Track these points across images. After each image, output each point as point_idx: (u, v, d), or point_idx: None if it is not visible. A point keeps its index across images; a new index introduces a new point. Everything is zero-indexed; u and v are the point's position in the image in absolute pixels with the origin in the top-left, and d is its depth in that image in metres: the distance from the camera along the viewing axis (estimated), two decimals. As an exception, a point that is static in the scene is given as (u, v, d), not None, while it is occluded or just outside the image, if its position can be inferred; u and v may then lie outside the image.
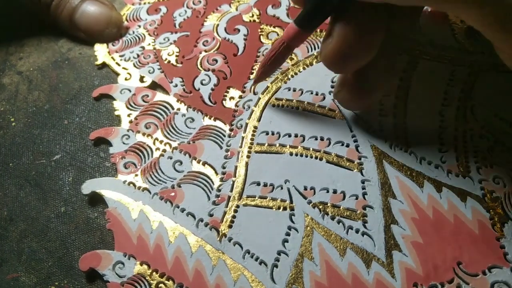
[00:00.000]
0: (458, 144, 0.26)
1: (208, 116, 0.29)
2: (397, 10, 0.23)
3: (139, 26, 0.36)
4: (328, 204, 0.25)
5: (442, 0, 0.18)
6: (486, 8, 0.18)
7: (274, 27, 0.34)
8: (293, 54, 0.31)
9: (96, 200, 0.27)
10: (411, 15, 0.25)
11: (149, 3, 0.37)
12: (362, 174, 0.25)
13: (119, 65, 0.33)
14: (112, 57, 0.34)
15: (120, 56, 0.34)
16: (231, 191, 0.26)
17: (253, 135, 0.28)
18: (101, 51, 0.34)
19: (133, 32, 0.35)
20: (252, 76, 0.31)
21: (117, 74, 0.33)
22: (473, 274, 0.22)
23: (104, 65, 0.33)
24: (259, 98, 0.29)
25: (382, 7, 0.22)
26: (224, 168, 0.27)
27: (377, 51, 0.23)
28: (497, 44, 0.20)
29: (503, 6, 0.17)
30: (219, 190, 0.26)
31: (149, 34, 0.35)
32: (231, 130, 0.28)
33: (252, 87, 0.30)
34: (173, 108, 0.30)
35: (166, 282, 0.23)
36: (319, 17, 0.24)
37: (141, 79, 0.32)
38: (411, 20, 0.26)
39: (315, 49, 0.31)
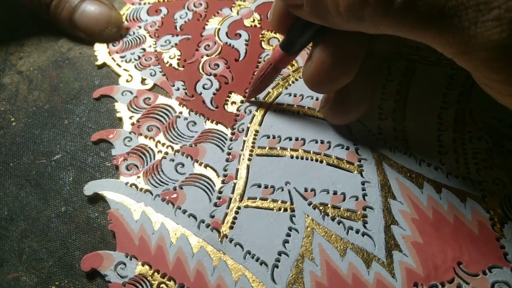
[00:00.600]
0: (457, 146, 0.26)
1: (210, 120, 0.29)
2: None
3: (140, 27, 0.36)
4: (329, 205, 0.25)
5: (409, 33, 0.19)
6: (443, 38, 0.18)
7: (275, 33, 0.34)
8: (294, 61, 0.32)
9: (97, 199, 0.27)
10: (395, 36, 0.26)
11: (149, 3, 0.37)
12: (362, 176, 0.26)
13: (119, 66, 0.33)
14: (113, 58, 0.34)
15: (121, 57, 0.34)
16: (233, 193, 0.26)
17: (254, 138, 0.28)
18: (101, 51, 0.34)
19: (134, 33, 0.35)
20: None
21: (118, 75, 0.33)
22: (473, 274, 0.22)
23: (104, 65, 0.33)
24: (261, 103, 0.30)
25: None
26: (225, 170, 0.27)
27: (355, 73, 0.23)
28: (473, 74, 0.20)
29: (458, 36, 0.17)
30: (220, 192, 0.26)
31: (150, 36, 0.35)
32: (232, 133, 0.29)
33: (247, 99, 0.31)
34: (175, 112, 0.30)
35: (168, 282, 0.23)
36: (301, 43, 0.25)
37: (143, 81, 0.32)
38: (395, 40, 0.26)
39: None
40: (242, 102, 0.30)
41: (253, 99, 0.30)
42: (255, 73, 0.30)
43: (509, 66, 0.17)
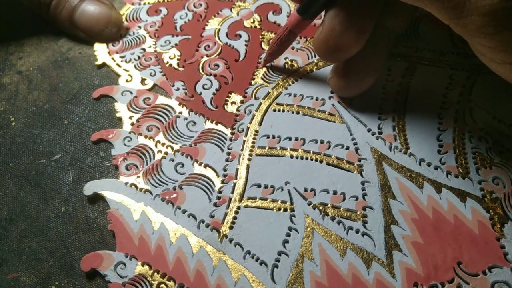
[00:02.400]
0: (457, 146, 0.26)
1: (210, 120, 0.29)
2: (391, 8, 0.24)
3: (140, 27, 0.36)
4: (328, 205, 0.25)
5: None
6: (439, 3, 0.19)
7: (275, 33, 0.34)
8: (293, 61, 0.32)
9: (96, 199, 0.27)
10: (405, 13, 0.26)
11: (149, 3, 0.37)
12: (362, 176, 0.26)
13: (119, 66, 0.33)
14: (113, 58, 0.34)
15: (121, 57, 0.34)
16: (232, 192, 0.26)
17: (254, 138, 0.28)
18: (101, 51, 0.34)
19: (134, 33, 0.35)
20: (253, 82, 0.31)
21: (118, 75, 0.33)
22: (473, 274, 0.22)
23: (104, 65, 0.33)
24: (261, 103, 0.30)
25: (374, 2, 0.23)
26: (225, 170, 0.27)
27: (363, 44, 0.24)
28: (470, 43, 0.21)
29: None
30: (220, 192, 0.26)
31: (149, 36, 0.35)
32: (232, 133, 0.29)
33: (264, 64, 0.32)
34: (175, 112, 0.30)
35: (167, 282, 0.23)
36: (316, 8, 0.26)
37: (142, 82, 0.32)
38: (406, 18, 0.27)
39: (315, 56, 0.32)
40: (242, 102, 0.30)
41: (254, 101, 0.30)
42: (271, 41, 0.31)
43: (500, 32, 0.18)
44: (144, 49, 0.34)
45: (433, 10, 0.20)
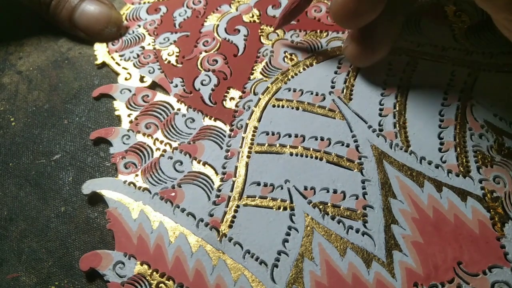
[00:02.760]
0: (458, 144, 0.26)
1: (209, 116, 0.29)
2: None
3: (139, 26, 0.36)
4: (328, 204, 0.25)
5: None
6: None
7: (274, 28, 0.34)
8: (293, 55, 0.31)
9: (96, 199, 0.27)
10: None
11: (148, 2, 0.37)
12: (362, 174, 0.25)
13: (119, 64, 0.33)
14: (112, 57, 0.33)
15: (120, 56, 0.33)
16: (232, 191, 0.26)
17: (253, 135, 0.28)
18: (101, 51, 0.34)
19: (133, 32, 0.35)
20: (252, 77, 0.31)
21: (117, 74, 0.32)
22: (473, 274, 0.22)
23: (103, 64, 0.33)
24: (259, 99, 0.29)
25: None
26: (224, 168, 0.27)
27: (382, 9, 0.24)
28: (493, 16, 0.21)
29: None
30: (219, 190, 0.26)
31: (149, 34, 0.35)
32: (231, 130, 0.28)
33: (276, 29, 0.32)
34: (173, 109, 0.30)
35: (167, 282, 0.23)
36: None
37: (141, 79, 0.32)
38: None
39: (315, 50, 0.32)
40: (240, 97, 0.30)
41: (253, 97, 0.30)
42: (285, 6, 0.31)
43: None
44: (143, 47, 0.34)
45: None
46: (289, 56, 0.31)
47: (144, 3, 0.37)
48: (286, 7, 0.29)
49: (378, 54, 0.27)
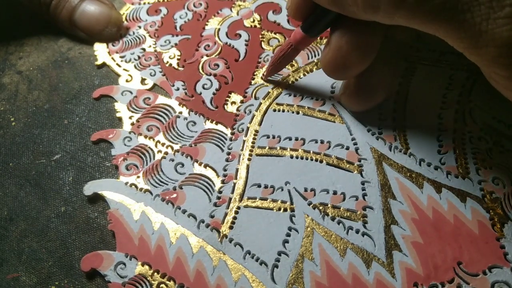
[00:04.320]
0: (457, 146, 0.26)
1: (210, 120, 0.29)
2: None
3: (140, 27, 0.36)
4: (328, 205, 0.25)
5: (422, 25, 0.20)
6: (455, 32, 0.19)
7: (275, 33, 0.34)
8: (294, 61, 0.32)
9: (96, 199, 0.27)
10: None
11: (149, 3, 0.37)
12: (362, 176, 0.26)
13: (119, 66, 0.33)
14: (112, 58, 0.34)
15: (121, 57, 0.34)
16: (232, 192, 0.26)
17: (254, 138, 0.28)
18: (101, 51, 0.34)
19: (134, 33, 0.35)
20: (253, 82, 0.31)
21: (118, 75, 0.33)
22: (473, 274, 0.22)
23: (104, 64, 0.33)
24: (260, 103, 0.30)
25: None
26: (225, 170, 0.27)
27: (373, 59, 0.24)
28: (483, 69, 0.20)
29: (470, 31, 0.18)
30: (220, 192, 0.26)
31: (149, 36, 0.35)
32: (232, 133, 0.29)
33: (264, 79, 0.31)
34: (175, 111, 0.30)
35: (167, 282, 0.23)
36: (322, 25, 0.25)
37: (142, 81, 0.32)
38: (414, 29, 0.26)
39: (315, 56, 0.32)
40: (242, 102, 0.30)
41: (254, 101, 0.30)
42: (274, 52, 0.31)
43: None
44: (144, 49, 0.34)
45: (448, 38, 0.19)
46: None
47: (144, 3, 0.37)
48: (274, 57, 0.29)
49: (375, 99, 0.27)
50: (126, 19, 0.36)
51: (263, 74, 0.31)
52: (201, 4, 0.37)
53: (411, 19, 0.19)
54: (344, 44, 0.23)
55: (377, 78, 0.26)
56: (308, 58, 0.32)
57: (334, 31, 0.24)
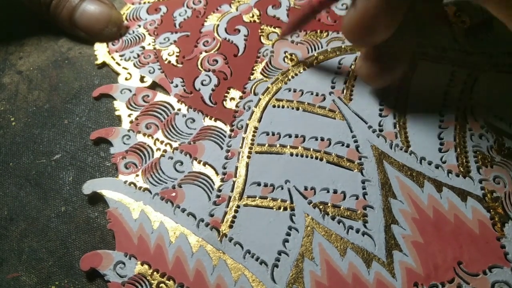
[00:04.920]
0: (458, 144, 0.26)
1: (209, 116, 0.29)
2: None
3: (139, 26, 0.36)
4: (329, 204, 0.25)
5: None
6: None
7: (274, 27, 0.34)
8: (293, 55, 0.31)
9: (96, 199, 0.27)
10: None
11: (149, 2, 0.37)
12: (362, 174, 0.25)
13: (119, 64, 0.33)
14: (112, 57, 0.33)
15: (120, 56, 0.33)
16: (232, 191, 0.26)
17: (253, 135, 0.28)
18: (101, 51, 0.34)
19: (133, 32, 0.35)
20: (252, 77, 0.31)
21: (117, 74, 0.32)
22: (473, 274, 0.22)
23: (104, 64, 0.33)
24: (260, 99, 0.30)
25: None
26: (224, 168, 0.27)
27: (396, 27, 0.23)
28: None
29: None
30: (219, 191, 0.26)
31: (149, 34, 0.35)
32: (231, 130, 0.28)
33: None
34: (173, 109, 0.30)
35: (167, 282, 0.23)
36: None
37: (142, 79, 0.32)
38: (436, 3, 0.26)
39: (315, 50, 0.32)
40: (241, 98, 0.30)
41: (253, 97, 0.30)
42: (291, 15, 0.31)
43: None
44: (143, 47, 0.34)
45: None
46: (289, 56, 0.31)
47: (144, 3, 0.37)
48: (293, 18, 0.29)
49: (395, 73, 0.26)
50: (126, 19, 0.36)
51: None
52: (200, 1, 0.36)
53: None
54: (371, 7, 0.22)
55: (398, 49, 0.25)
56: (308, 52, 0.32)
57: None
